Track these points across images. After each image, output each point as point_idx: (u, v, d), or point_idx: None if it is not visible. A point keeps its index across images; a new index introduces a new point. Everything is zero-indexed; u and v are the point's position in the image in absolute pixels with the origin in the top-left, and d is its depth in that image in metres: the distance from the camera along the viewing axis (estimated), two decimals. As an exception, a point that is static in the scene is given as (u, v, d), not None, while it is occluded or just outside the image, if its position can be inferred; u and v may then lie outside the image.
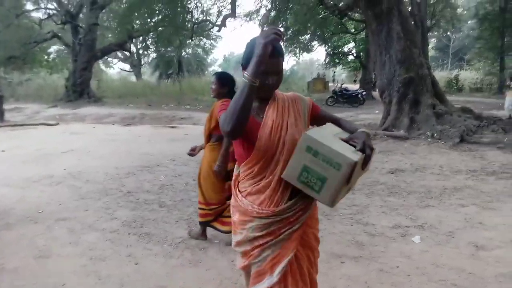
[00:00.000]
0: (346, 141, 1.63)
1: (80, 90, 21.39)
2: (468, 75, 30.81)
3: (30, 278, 3.11)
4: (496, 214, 4.49)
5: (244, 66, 1.63)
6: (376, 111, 15.51)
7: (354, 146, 1.60)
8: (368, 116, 14.53)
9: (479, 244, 3.68)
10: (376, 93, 22.57)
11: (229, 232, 3.40)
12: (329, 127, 1.78)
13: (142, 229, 4.11)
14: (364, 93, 21.02)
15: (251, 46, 1.63)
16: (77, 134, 10.89)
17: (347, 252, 3.55)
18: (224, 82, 3.46)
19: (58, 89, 23.67)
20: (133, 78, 37.92)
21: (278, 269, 1.67)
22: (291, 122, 1.71)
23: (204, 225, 3.76)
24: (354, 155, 1.52)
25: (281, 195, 1.67)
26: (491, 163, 6.87)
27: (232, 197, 1.82)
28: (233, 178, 1.85)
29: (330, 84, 30.19)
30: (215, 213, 3.64)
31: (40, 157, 7.65)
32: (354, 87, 24.35)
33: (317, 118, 1.86)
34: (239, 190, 1.78)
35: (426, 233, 3.98)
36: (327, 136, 1.61)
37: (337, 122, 1.86)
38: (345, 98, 20.30)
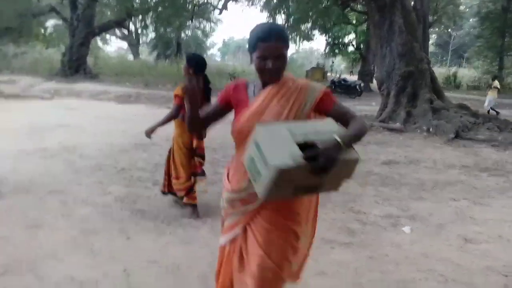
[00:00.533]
0: (310, 144, 1.54)
1: (76, 66, 21.11)
2: (466, 73, 30.92)
3: (21, 246, 3.10)
4: (487, 209, 4.53)
5: (251, 52, 1.74)
6: (373, 103, 15.53)
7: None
8: (365, 108, 14.53)
9: (468, 238, 3.72)
10: (374, 85, 22.60)
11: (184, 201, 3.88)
12: (317, 124, 1.70)
13: (135, 205, 4.11)
14: (362, 84, 21.04)
15: (252, 33, 1.74)
16: (72, 109, 10.80)
17: (338, 239, 3.58)
18: (190, 63, 3.70)
19: (54, 64, 23.34)
20: (130, 57, 37.53)
21: (227, 236, 1.88)
22: (275, 111, 1.71)
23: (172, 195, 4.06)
24: (286, 161, 1.46)
25: (243, 176, 1.75)
26: (485, 160, 6.93)
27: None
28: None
29: (329, 74, 30.10)
30: (166, 184, 4.03)
31: (34, 129, 7.58)
32: (352, 78, 24.31)
33: (330, 114, 1.77)
34: (229, 168, 1.93)
35: (417, 224, 4.02)
36: (280, 133, 1.55)
37: (349, 120, 1.74)
38: (343, 88, 20.28)
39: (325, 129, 1.64)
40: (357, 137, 1.65)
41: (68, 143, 6.59)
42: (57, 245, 3.16)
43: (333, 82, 20.84)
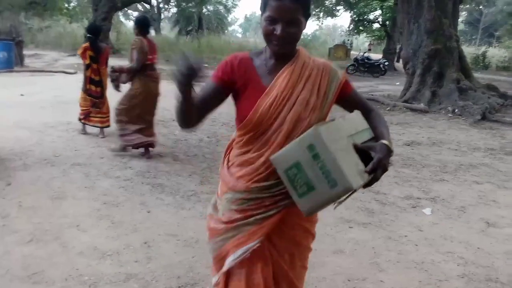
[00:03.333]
0: (361, 149, 1.32)
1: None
2: (496, 53, 29.70)
3: (46, 216, 3.21)
4: (511, 193, 4.42)
5: (261, 13, 1.40)
6: (397, 83, 15.16)
7: (369, 159, 1.29)
8: (388, 87, 14.21)
9: (490, 221, 3.66)
10: (398, 65, 21.99)
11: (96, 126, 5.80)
12: (353, 120, 1.42)
13: (156, 180, 4.17)
14: (386, 63, 20.47)
15: None
16: (95, 84, 10.91)
17: (356, 218, 3.57)
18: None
19: (78, 38, 23.51)
20: (152, 32, 37.51)
21: (240, 251, 1.43)
22: (302, 97, 1.38)
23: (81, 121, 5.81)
24: (357, 179, 1.23)
25: (264, 177, 1.41)
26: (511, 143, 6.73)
27: (221, 164, 1.61)
28: (229, 142, 1.61)
29: (353, 52, 29.42)
30: (84, 113, 5.73)
31: (58, 103, 7.73)
32: (372, 56, 23.65)
33: (345, 101, 1.51)
34: (228, 159, 1.55)
35: (438, 206, 3.96)
36: (341, 138, 1.28)
37: (367, 112, 1.51)
38: (366, 67, 19.81)
39: (360, 126, 1.40)
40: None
41: (91, 117, 6.68)
42: (80, 216, 3.26)
43: (356, 60, 20.35)
